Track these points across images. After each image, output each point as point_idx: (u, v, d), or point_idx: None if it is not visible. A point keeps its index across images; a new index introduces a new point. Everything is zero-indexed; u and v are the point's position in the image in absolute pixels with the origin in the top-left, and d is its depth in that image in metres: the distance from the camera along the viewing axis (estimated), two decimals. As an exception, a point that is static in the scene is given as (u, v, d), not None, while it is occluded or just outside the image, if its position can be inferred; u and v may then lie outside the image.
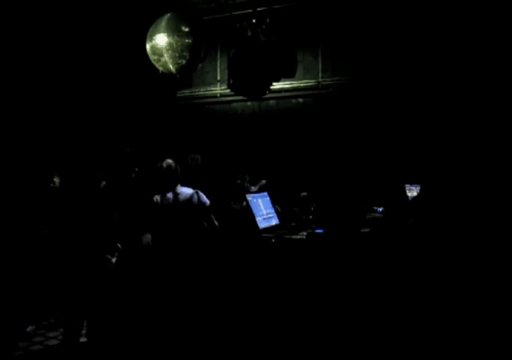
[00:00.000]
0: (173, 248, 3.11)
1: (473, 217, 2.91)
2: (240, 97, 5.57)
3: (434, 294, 2.37)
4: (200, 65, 4.80)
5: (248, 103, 5.74)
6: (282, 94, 5.55)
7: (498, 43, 4.46)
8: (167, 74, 4.47)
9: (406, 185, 4.21)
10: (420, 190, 3.90)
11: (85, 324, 3.11)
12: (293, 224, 3.63)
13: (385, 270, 2.49)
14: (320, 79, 5.40)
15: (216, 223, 3.32)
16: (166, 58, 4.30)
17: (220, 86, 5.85)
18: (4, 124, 4.75)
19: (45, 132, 5.14)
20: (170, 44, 4.23)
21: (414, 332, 2.30)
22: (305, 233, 3.19)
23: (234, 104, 5.83)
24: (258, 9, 5.16)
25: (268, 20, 5.05)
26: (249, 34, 5.15)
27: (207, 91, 5.92)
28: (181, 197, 3.19)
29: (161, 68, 4.42)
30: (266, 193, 3.59)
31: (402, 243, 2.73)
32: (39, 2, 4.95)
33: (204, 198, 3.28)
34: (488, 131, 4.47)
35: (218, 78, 5.86)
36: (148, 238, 3.33)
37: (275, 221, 3.58)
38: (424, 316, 2.32)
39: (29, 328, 3.93)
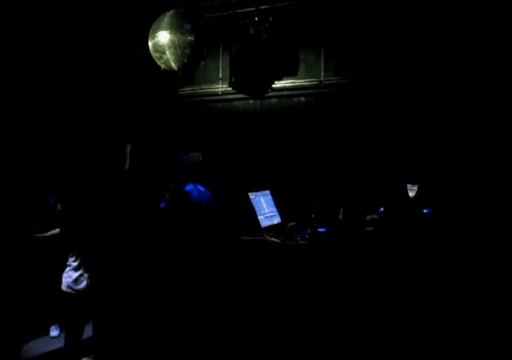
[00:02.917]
0: (188, 248, 3.11)
1: (474, 217, 2.90)
2: (242, 96, 5.55)
3: (438, 295, 2.36)
4: (202, 63, 4.79)
5: (250, 101, 5.73)
6: (284, 93, 5.54)
7: (499, 42, 4.45)
8: (170, 71, 4.46)
9: (408, 185, 4.21)
10: (418, 189, 3.90)
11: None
12: (295, 223, 3.63)
13: (389, 270, 2.49)
14: (322, 78, 5.38)
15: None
16: (168, 55, 4.29)
17: (222, 84, 5.84)
18: (3, 124, 4.73)
19: (45, 131, 5.12)
20: (172, 41, 4.22)
21: (419, 333, 2.30)
22: (307, 232, 3.18)
23: (236, 102, 5.82)
24: (261, 7, 5.14)
25: (271, 18, 5.03)
26: (252, 32, 5.13)
27: (209, 88, 5.91)
28: (204, 195, 3.25)
29: (163, 65, 4.40)
30: (268, 192, 3.59)
31: (404, 242, 2.72)
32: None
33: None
34: (489, 131, 4.47)
35: (220, 76, 5.85)
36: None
37: (277, 220, 3.58)
38: (428, 316, 2.32)
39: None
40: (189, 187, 3.49)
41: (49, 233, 3.68)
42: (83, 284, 2.80)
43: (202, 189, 3.59)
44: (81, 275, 2.81)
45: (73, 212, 2.90)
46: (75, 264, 2.82)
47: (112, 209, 3.00)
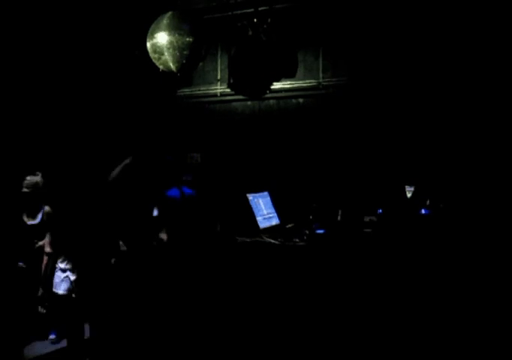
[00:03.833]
0: (186, 249, 3.10)
1: (472, 219, 2.91)
2: (240, 97, 5.56)
3: (438, 295, 2.37)
4: (200, 64, 4.78)
5: (248, 102, 5.73)
6: (282, 94, 5.54)
7: (498, 45, 4.47)
8: (168, 73, 4.46)
9: (406, 186, 4.22)
10: (415, 190, 3.91)
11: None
12: (294, 225, 3.62)
13: (388, 271, 2.49)
14: (320, 80, 5.39)
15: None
16: (166, 56, 4.29)
17: (220, 85, 5.84)
18: (3, 125, 4.71)
19: (43, 131, 5.11)
20: (170, 43, 4.22)
21: (419, 334, 2.30)
22: (306, 233, 3.18)
23: (234, 103, 5.82)
24: (260, 8, 5.13)
25: (269, 20, 5.03)
26: (250, 33, 5.13)
27: (207, 90, 5.91)
28: (186, 195, 3.23)
29: (161, 67, 4.40)
30: (266, 193, 3.59)
31: (402, 244, 2.72)
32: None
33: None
34: (487, 133, 4.48)
35: (219, 77, 5.85)
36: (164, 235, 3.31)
37: (275, 221, 3.58)
38: (428, 317, 2.32)
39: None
40: (174, 191, 3.42)
41: (42, 242, 3.57)
42: (66, 286, 2.79)
43: (188, 191, 3.49)
44: (66, 277, 2.80)
45: (63, 217, 2.89)
46: (62, 266, 2.83)
47: (103, 214, 2.98)
